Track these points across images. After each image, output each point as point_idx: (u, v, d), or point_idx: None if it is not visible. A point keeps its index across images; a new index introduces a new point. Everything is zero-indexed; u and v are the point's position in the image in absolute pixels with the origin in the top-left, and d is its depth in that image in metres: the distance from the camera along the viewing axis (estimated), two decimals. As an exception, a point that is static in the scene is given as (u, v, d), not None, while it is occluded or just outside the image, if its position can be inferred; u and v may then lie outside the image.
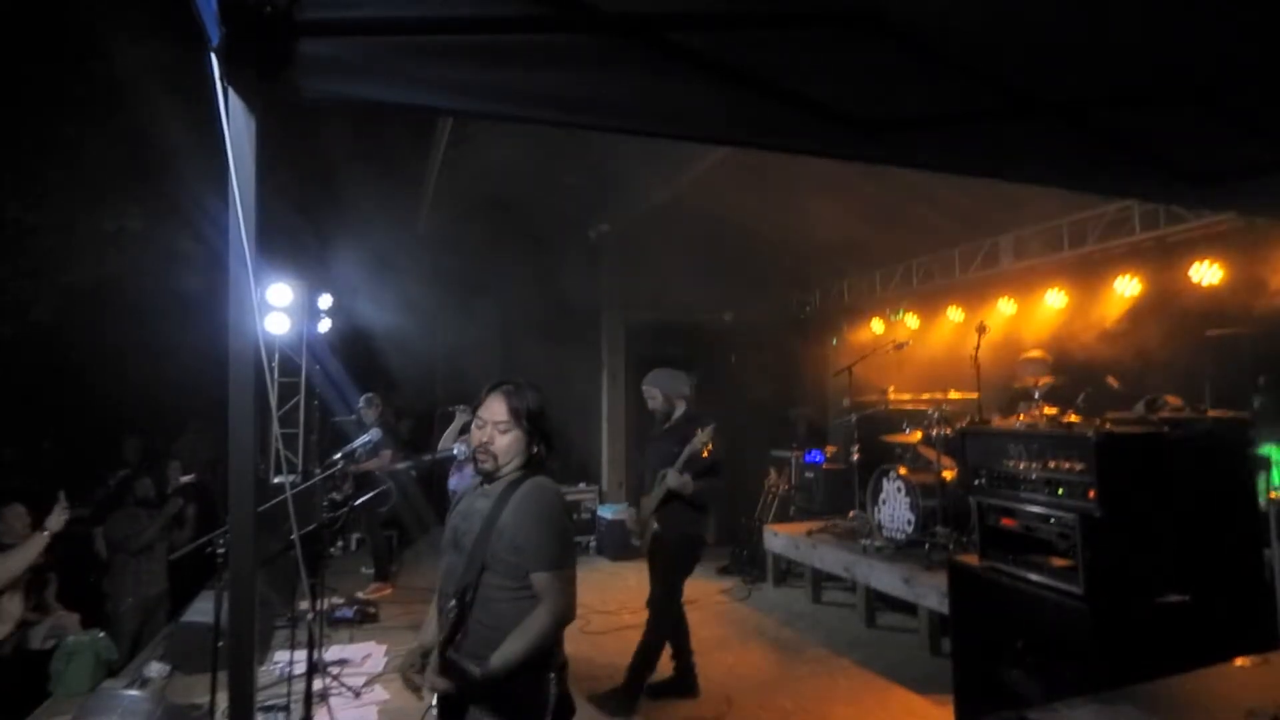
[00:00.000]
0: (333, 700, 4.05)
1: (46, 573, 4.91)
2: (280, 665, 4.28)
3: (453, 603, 1.80)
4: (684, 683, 4.26)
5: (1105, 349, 5.57)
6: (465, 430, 5.12)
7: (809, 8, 1.67)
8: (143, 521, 5.94)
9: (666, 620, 4.07)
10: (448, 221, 8.63)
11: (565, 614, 2.00)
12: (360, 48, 1.63)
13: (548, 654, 2.02)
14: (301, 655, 3.45)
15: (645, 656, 4.00)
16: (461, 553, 2.06)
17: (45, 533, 4.06)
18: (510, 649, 1.92)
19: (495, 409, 2.10)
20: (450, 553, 2.12)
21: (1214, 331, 4.64)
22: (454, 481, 5.32)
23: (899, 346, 6.54)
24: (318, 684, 3.80)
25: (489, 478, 2.14)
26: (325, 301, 9.18)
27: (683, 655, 4.28)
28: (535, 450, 2.12)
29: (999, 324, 6.60)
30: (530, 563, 1.98)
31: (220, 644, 2.96)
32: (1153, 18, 1.67)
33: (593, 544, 8.16)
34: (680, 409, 4.33)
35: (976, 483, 3.54)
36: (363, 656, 4.86)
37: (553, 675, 2.03)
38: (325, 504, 6.26)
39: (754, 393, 9.11)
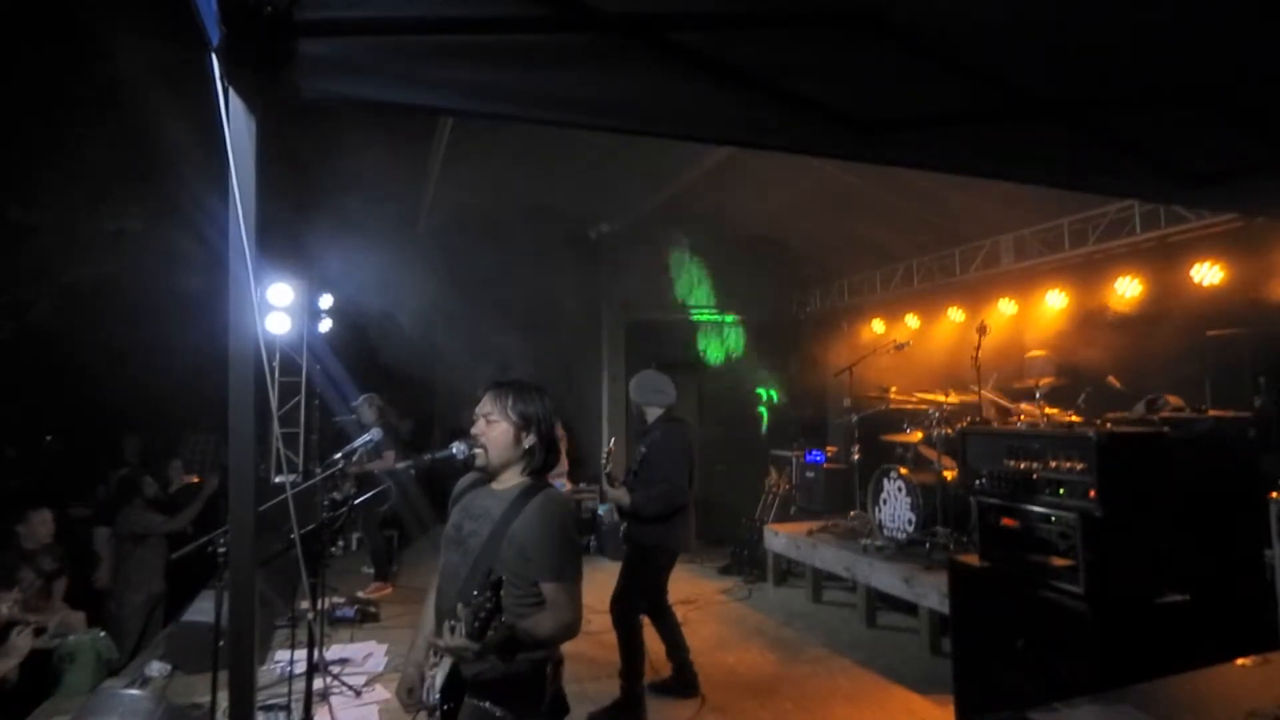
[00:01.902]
0: (333, 700, 4.05)
1: (55, 578, 4.93)
2: (281, 665, 4.28)
3: (487, 593, 1.78)
4: (683, 682, 4.25)
5: (1100, 350, 5.57)
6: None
7: (809, 8, 1.67)
8: (142, 519, 5.95)
9: (623, 622, 4.02)
10: (448, 221, 8.63)
11: (572, 625, 2.01)
12: (360, 48, 1.63)
13: (546, 650, 2.03)
14: (302, 655, 3.46)
15: (626, 660, 3.99)
16: (467, 554, 2.05)
17: (13, 660, 4.07)
18: (531, 630, 1.93)
19: (485, 403, 2.15)
20: (453, 551, 2.11)
21: (1215, 332, 4.64)
22: None
23: (899, 347, 6.54)
24: (318, 683, 3.80)
25: (486, 472, 2.16)
26: (326, 301, 9.18)
27: (679, 654, 4.26)
28: (529, 447, 2.13)
29: (1000, 324, 6.60)
30: (540, 572, 1.99)
31: (221, 643, 2.96)
32: (1153, 18, 1.66)
33: (593, 543, 8.15)
34: (653, 415, 4.24)
35: (977, 483, 3.54)
36: (363, 656, 4.86)
37: (549, 670, 2.04)
38: (325, 504, 6.26)
39: (754, 393, 9.11)
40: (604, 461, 4.20)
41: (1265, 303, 4.71)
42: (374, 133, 6.41)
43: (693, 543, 4.28)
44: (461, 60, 1.69)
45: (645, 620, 4.18)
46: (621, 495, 4.04)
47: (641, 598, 4.12)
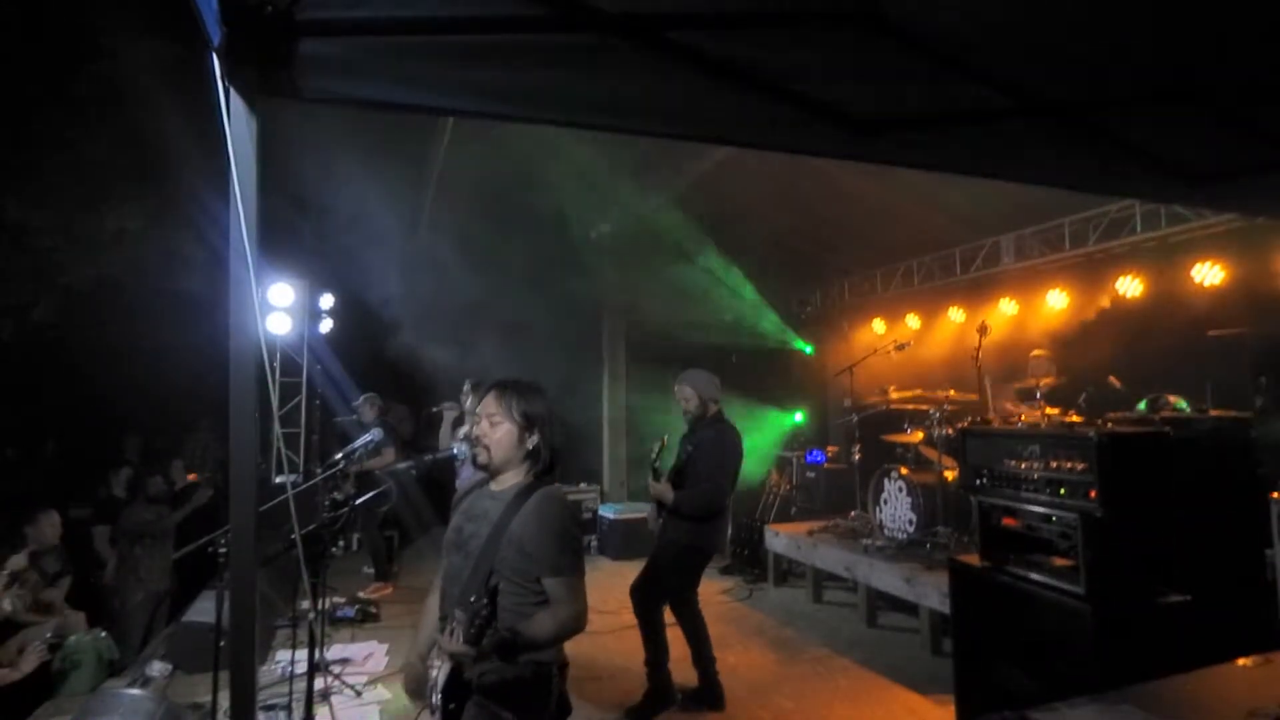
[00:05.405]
0: (334, 699, 4.05)
1: (58, 579, 4.93)
2: (282, 664, 4.28)
3: (483, 600, 1.79)
4: (711, 695, 4.10)
5: (1101, 350, 5.57)
6: (458, 424, 5.13)
7: (809, 8, 1.67)
8: (145, 515, 5.96)
9: (644, 613, 3.99)
10: (448, 222, 8.63)
11: (577, 618, 2.00)
12: (360, 48, 1.63)
13: (552, 653, 2.03)
14: (303, 654, 3.46)
15: (649, 650, 3.93)
16: (468, 557, 2.05)
17: (18, 675, 4.11)
18: (529, 631, 1.92)
19: (488, 403, 2.13)
20: (454, 554, 2.11)
21: (1215, 331, 4.63)
22: (463, 476, 5.30)
23: (900, 347, 6.54)
24: (319, 683, 3.80)
25: (488, 472, 2.15)
26: (326, 301, 9.19)
27: (705, 664, 4.12)
28: (532, 448, 2.12)
29: (1000, 324, 6.60)
30: (540, 568, 1.99)
31: (222, 643, 2.96)
32: (1152, 18, 1.66)
33: (594, 544, 8.15)
34: (705, 413, 4.23)
35: (978, 483, 3.54)
36: (364, 656, 4.86)
37: (555, 673, 2.04)
38: (326, 504, 6.27)
39: (755, 393, 9.11)
40: (654, 457, 4.22)
41: (1267, 303, 4.71)
42: (375, 133, 6.41)
43: (725, 545, 4.24)
44: (461, 60, 1.68)
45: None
46: (666, 490, 4.05)
47: (665, 592, 4.09)
